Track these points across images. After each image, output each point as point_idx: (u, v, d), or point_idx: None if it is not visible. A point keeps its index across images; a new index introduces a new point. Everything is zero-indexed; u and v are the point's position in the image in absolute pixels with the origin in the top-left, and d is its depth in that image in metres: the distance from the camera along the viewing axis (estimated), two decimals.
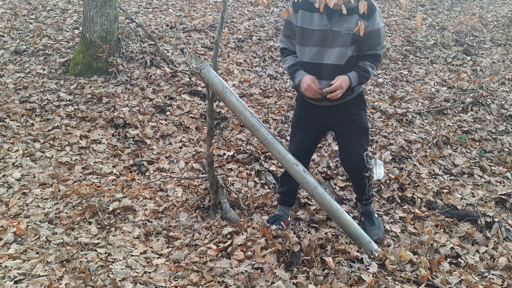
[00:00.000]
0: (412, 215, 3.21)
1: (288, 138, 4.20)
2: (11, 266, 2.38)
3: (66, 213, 2.94)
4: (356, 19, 2.38)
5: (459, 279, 2.38)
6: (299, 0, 2.37)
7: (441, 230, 3.03)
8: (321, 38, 2.46)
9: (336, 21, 2.41)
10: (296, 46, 2.57)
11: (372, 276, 2.30)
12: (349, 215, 2.73)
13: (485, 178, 3.69)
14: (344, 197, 3.42)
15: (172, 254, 2.63)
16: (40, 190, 3.19)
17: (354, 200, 3.18)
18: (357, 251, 2.57)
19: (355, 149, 2.68)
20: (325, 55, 2.49)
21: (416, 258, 2.52)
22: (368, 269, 2.38)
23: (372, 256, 2.54)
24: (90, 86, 4.62)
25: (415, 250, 2.67)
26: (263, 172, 3.65)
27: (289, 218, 2.98)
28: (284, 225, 2.87)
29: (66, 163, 3.56)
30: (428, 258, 2.53)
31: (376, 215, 3.00)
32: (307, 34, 2.48)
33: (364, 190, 2.87)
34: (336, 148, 4.08)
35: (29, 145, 3.73)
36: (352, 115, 2.66)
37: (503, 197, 3.42)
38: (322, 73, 2.51)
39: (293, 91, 5.16)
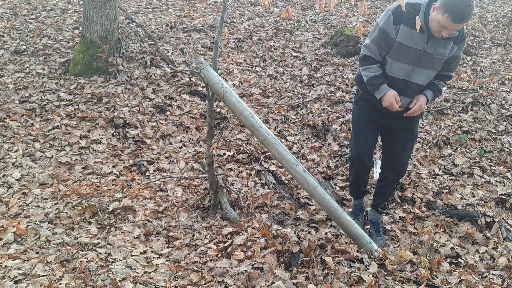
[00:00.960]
0: (412, 215, 3.21)
1: (289, 138, 4.22)
2: (11, 266, 2.38)
3: (66, 213, 2.94)
4: (451, 45, 2.44)
5: (459, 279, 2.38)
6: (401, 13, 2.36)
7: (441, 230, 3.03)
8: (414, 57, 2.47)
9: (433, 43, 2.43)
10: (388, 59, 2.53)
11: (372, 276, 2.30)
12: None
13: (485, 178, 3.69)
14: (344, 197, 3.42)
15: (172, 254, 2.63)
16: (40, 190, 3.19)
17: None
18: (357, 251, 2.57)
19: (405, 154, 2.75)
20: (413, 74, 2.52)
21: (416, 258, 2.52)
22: (368, 269, 2.38)
23: (372, 256, 2.54)
24: (90, 86, 4.62)
25: (415, 250, 2.67)
26: (263, 172, 3.65)
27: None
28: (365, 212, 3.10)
29: (66, 163, 3.56)
30: (428, 258, 2.53)
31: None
32: (404, 50, 2.46)
33: (388, 197, 2.92)
34: (336, 148, 4.08)
35: (29, 145, 3.73)
36: (414, 121, 2.74)
37: (503, 197, 3.42)
38: (405, 90, 2.56)
39: (293, 91, 5.16)
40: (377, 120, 2.76)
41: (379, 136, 2.88)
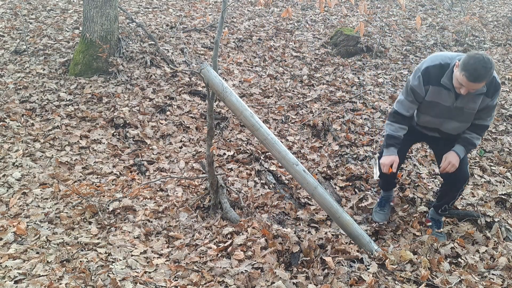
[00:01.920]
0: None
1: (289, 138, 4.22)
2: (11, 266, 2.39)
3: (66, 213, 2.94)
4: (481, 99, 2.49)
5: (459, 279, 2.38)
6: (430, 75, 2.50)
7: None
8: (444, 111, 2.59)
9: (462, 99, 2.50)
10: (418, 113, 2.72)
11: (372, 276, 2.30)
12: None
13: (485, 178, 3.69)
14: (344, 197, 3.42)
15: (172, 254, 2.63)
16: (40, 190, 3.19)
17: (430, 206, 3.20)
18: (357, 251, 2.57)
19: (462, 159, 2.74)
20: (444, 124, 2.66)
21: (416, 258, 2.52)
22: (368, 269, 2.38)
23: (372, 256, 2.54)
24: (90, 86, 4.62)
25: (415, 250, 2.67)
26: (263, 172, 3.65)
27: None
28: (392, 204, 3.21)
29: (66, 163, 3.56)
30: (428, 258, 2.53)
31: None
32: (433, 106, 2.60)
33: (449, 202, 2.93)
34: (336, 148, 4.08)
35: (29, 145, 3.73)
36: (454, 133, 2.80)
37: (503, 197, 3.42)
38: (438, 133, 2.75)
39: (293, 91, 5.16)
40: (419, 136, 2.90)
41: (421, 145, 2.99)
